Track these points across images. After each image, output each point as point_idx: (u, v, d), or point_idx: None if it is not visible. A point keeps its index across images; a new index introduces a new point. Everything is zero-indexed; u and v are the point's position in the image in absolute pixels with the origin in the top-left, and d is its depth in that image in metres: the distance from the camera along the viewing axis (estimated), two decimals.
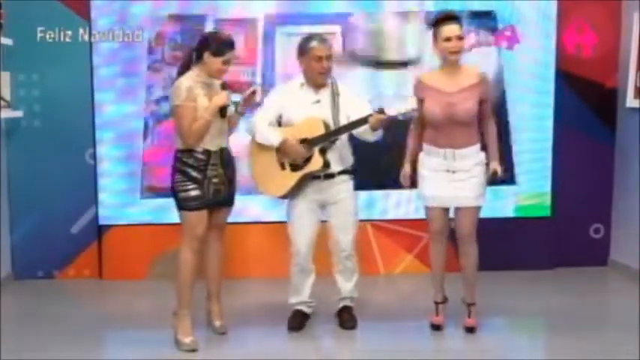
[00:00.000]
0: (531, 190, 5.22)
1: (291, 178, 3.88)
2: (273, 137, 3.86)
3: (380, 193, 5.06)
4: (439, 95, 3.78)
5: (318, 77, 3.87)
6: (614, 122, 5.27)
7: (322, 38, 3.91)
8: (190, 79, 3.66)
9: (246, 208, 4.92)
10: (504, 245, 5.11)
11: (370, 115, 3.72)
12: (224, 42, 3.68)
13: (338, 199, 3.94)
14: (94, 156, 4.98)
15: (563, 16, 5.14)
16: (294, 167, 3.88)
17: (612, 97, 5.25)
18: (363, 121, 3.76)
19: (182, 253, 3.74)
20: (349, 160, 4.01)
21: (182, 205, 3.72)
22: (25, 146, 4.94)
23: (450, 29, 3.74)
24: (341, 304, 4.11)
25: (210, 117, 3.62)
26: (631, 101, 5.01)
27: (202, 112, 3.62)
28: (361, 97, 4.11)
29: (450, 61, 3.79)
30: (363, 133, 3.87)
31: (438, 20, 3.80)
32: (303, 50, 3.88)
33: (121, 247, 5.03)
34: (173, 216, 4.70)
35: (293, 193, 3.92)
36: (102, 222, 5.04)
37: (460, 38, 3.75)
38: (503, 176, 3.98)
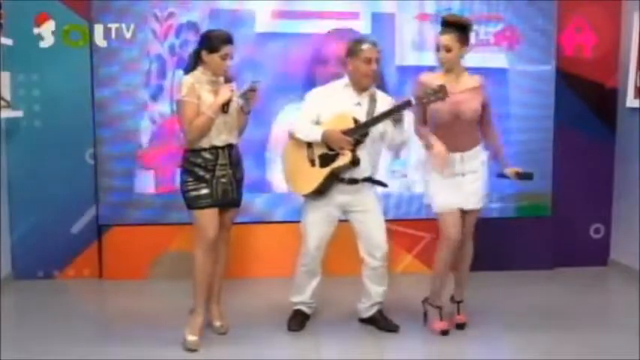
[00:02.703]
0: (531, 190, 5.21)
1: (320, 174, 3.83)
2: (314, 132, 3.80)
3: (380, 194, 5.05)
4: None
5: (364, 79, 3.84)
6: (614, 122, 5.28)
7: (373, 41, 3.89)
8: (194, 77, 3.66)
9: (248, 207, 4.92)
10: (504, 245, 5.12)
11: (405, 104, 3.69)
12: (218, 38, 3.66)
13: (365, 206, 3.90)
14: (94, 156, 4.98)
15: (563, 16, 5.14)
16: (323, 163, 3.84)
17: (612, 97, 5.26)
18: (390, 112, 3.72)
19: (195, 254, 3.72)
20: (377, 170, 3.99)
21: (192, 205, 3.70)
22: (25, 146, 4.93)
23: (440, 39, 3.75)
24: (374, 309, 4.05)
25: (213, 114, 3.60)
26: (631, 101, 5.01)
27: (205, 109, 3.60)
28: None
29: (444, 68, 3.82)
30: (392, 141, 3.85)
31: (441, 25, 3.81)
32: (352, 51, 3.84)
33: (121, 247, 5.02)
34: (173, 216, 4.73)
35: (320, 192, 3.85)
36: (102, 222, 5.05)
37: (448, 50, 3.72)
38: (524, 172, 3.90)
